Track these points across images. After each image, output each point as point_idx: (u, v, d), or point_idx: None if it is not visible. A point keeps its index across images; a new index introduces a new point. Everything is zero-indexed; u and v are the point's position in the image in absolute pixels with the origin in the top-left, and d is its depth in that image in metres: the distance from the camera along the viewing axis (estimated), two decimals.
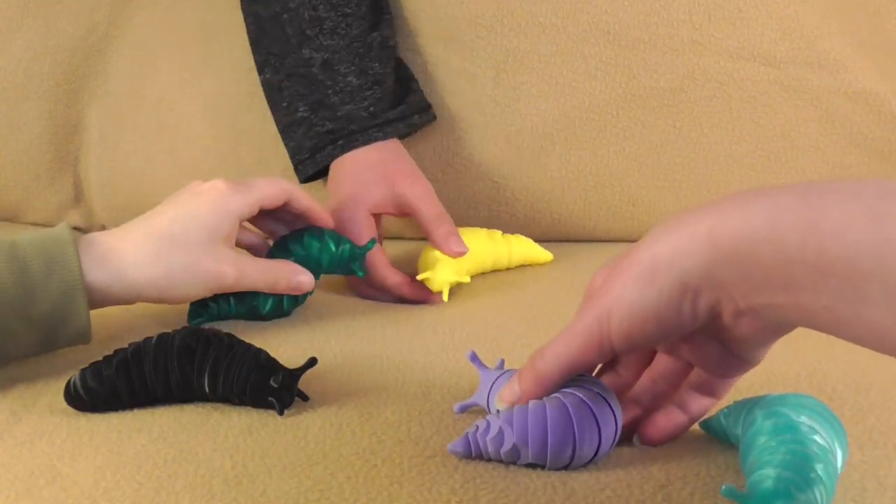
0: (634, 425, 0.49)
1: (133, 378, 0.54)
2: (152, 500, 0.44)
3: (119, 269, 0.61)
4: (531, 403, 0.45)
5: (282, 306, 0.70)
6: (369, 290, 0.78)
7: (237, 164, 0.96)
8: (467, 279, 0.78)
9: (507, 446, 0.45)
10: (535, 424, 0.44)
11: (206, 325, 0.67)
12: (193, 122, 0.98)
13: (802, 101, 0.90)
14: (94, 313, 0.62)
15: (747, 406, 0.46)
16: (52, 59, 0.99)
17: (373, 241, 0.74)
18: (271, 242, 0.74)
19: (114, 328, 0.68)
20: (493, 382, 0.51)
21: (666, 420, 0.48)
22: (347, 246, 0.72)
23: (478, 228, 0.85)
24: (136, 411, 0.54)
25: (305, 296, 0.72)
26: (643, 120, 0.91)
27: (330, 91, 0.84)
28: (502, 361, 0.53)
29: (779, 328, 0.43)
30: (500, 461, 0.46)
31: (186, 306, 0.71)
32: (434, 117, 0.90)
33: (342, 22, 0.86)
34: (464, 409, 0.52)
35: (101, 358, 0.55)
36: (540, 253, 0.87)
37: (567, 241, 0.96)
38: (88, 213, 1.03)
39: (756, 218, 0.37)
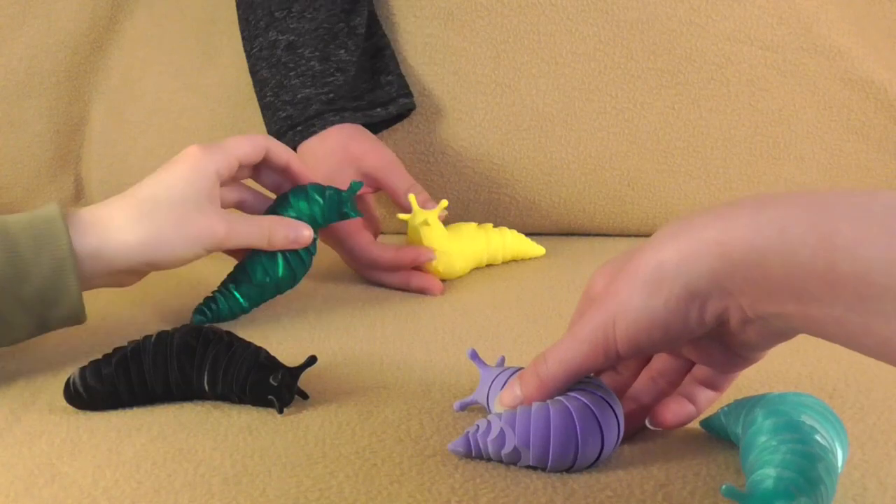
0: (634, 424, 0.49)
1: (132, 376, 0.54)
2: (152, 498, 0.44)
3: (106, 234, 0.60)
4: (534, 406, 0.45)
5: (292, 270, 0.70)
6: (373, 273, 0.79)
7: None
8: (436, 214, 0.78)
9: (508, 448, 0.45)
10: (537, 427, 0.44)
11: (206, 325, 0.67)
12: (194, 118, 0.98)
13: (800, 87, 0.90)
14: (94, 312, 0.62)
15: (748, 405, 0.46)
16: (53, 57, 0.99)
17: (358, 184, 0.73)
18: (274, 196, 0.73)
19: (113, 326, 0.68)
20: (493, 380, 0.51)
21: (678, 406, 0.48)
22: (332, 191, 0.72)
23: (469, 223, 0.85)
24: (135, 410, 0.54)
25: (311, 258, 0.71)
26: (642, 101, 0.91)
27: (292, 73, 0.85)
28: (503, 359, 0.53)
29: (785, 334, 0.42)
30: (501, 461, 0.46)
31: (187, 305, 0.71)
32: (397, 113, 0.89)
33: (311, 6, 0.86)
34: (463, 408, 0.52)
35: (100, 356, 0.55)
36: (532, 247, 0.88)
37: (565, 229, 0.96)
38: None
39: (766, 228, 0.37)
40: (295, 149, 0.84)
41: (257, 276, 0.69)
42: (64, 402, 0.54)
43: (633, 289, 0.41)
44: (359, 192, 0.77)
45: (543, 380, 0.45)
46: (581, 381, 0.46)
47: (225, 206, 0.71)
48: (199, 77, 0.98)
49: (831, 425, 0.43)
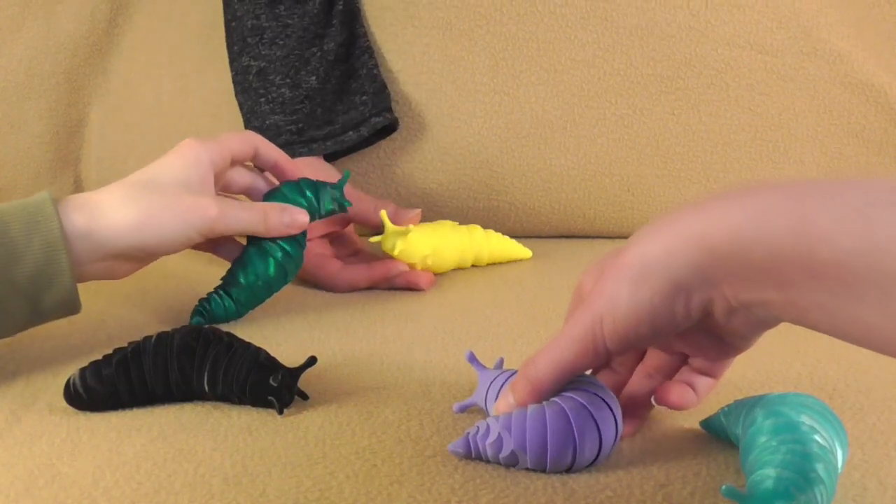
0: (632, 420, 0.49)
1: (132, 377, 0.54)
2: (152, 499, 0.44)
3: (97, 214, 0.60)
4: (530, 408, 0.45)
5: (283, 269, 0.70)
6: (356, 290, 0.79)
7: None
8: (412, 228, 0.78)
9: (505, 452, 0.45)
10: (534, 430, 0.44)
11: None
12: (194, 120, 0.98)
13: (800, 91, 0.90)
14: (94, 312, 0.62)
15: (748, 405, 0.46)
16: (52, 59, 0.99)
17: (347, 173, 0.73)
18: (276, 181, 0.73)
19: (113, 327, 0.68)
20: (491, 383, 0.51)
21: (681, 390, 0.48)
22: (326, 186, 0.72)
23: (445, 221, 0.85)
24: (135, 410, 0.54)
25: (301, 254, 0.71)
26: (641, 107, 0.91)
27: (262, 100, 0.85)
28: (501, 360, 0.53)
29: (770, 323, 0.43)
30: (500, 464, 0.46)
31: (187, 307, 0.71)
32: (369, 133, 0.88)
33: (282, 33, 0.86)
34: (463, 409, 0.52)
35: (100, 357, 0.55)
36: (518, 249, 0.88)
37: (565, 235, 0.97)
38: None
39: (745, 219, 0.37)
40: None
41: (249, 278, 0.69)
42: (64, 403, 0.54)
43: (619, 285, 0.41)
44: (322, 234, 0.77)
45: (534, 383, 0.45)
46: (576, 380, 0.46)
47: (234, 190, 0.71)
48: (198, 80, 0.99)
49: (831, 425, 0.43)
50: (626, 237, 0.96)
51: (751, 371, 0.57)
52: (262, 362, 0.54)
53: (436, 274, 0.82)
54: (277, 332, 0.68)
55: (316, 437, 0.50)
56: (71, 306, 0.60)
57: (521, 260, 0.89)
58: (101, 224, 0.60)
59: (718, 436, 0.49)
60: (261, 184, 0.72)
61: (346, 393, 0.56)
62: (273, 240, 0.69)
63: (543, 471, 0.45)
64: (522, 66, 0.91)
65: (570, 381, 0.46)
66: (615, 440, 0.45)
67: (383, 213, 0.77)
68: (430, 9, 0.92)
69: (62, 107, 1.00)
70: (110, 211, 0.61)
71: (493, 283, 0.82)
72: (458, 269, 0.86)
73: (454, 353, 0.63)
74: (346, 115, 0.87)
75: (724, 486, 0.38)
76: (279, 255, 0.69)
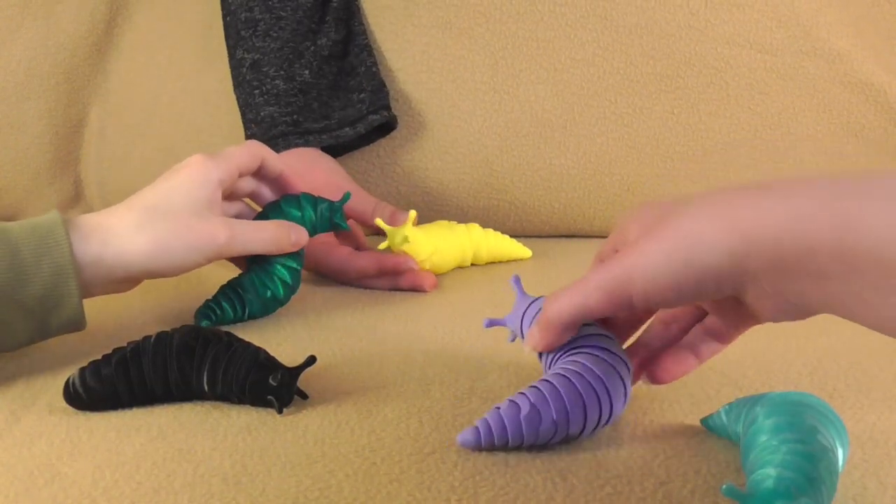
0: (642, 368, 0.50)
1: (132, 377, 0.54)
2: (151, 498, 0.44)
3: (107, 242, 0.60)
4: (560, 381, 0.46)
5: (289, 287, 0.71)
6: (362, 280, 0.79)
7: None
8: (413, 229, 0.78)
9: (545, 424, 0.46)
10: (572, 401, 0.46)
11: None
12: (194, 120, 0.98)
13: (800, 90, 0.90)
14: (93, 312, 0.62)
15: (748, 404, 0.46)
16: (52, 59, 0.99)
17: (347, 194, 0.74)
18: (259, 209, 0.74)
19: (113, 327, 0.68)
20: (527, 308, 0.52)
21: (675, 362, 0.49)
22: (325, 204, 0.72)
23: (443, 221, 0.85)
24: (135, 410, 0.54)
25: (301, 269, 0.72)
26: (641, 106, 0.91)
27: (256, 91, 0.85)
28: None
29: (802, 311, 0.42)
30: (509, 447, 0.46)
31: (187, 306, 0.70)
32: (366, 131, 0.88)
33: (275, 25, 0.86)
34: (492, 325, 0.53)
35: (100, 357, 0.55)
36: (517, 248, 0.88)
37: (564, 234, 0.97)
38: (88, 212, 1.03)
39: (786, 212, 0.38)
40: None
41: (260, 292, 0.70)
42: (64, 403, 0.54)
43: (657, 251, 0.42)
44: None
45: (554, 321, 0.46)
46: (588, 330, 0.48)
47: (239, 196, 0.72)
48: (197, 80, 0.99)
49: (832, 425, 0.43)
50: None
51: (751, 370, 0.57)
52: (262, 362, 0.53)
53: (436, 274, 0.82)
54: (277, 332, 0.68)
55: (315, 437, 0.50)
56: (76, 325, 0.60)
57: (520, 259, 0.88)
58: (112, 251, 0.60)
59: (719, 434, 0.49)
60: (265, 191, 0.73)
61: (345, 392, 0.56)
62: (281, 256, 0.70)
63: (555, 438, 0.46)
64: (522, 64, 0.91)
65: (584, 330, 0.48)
66: (625, 400, 0.47)
67: (379, 221, 0.77)
68: (429, 7, 0.92)
69: (62, 107, 1.00)
70: (121, 239, 0.61)
71: (493, 282, 0.81)
72: (459, 268, 0.86)
73: (453, 352, 0.63)
74: (343, 111, 0.87)
75: (724, 486, 0.38)
76: (286, 271, 0.70)
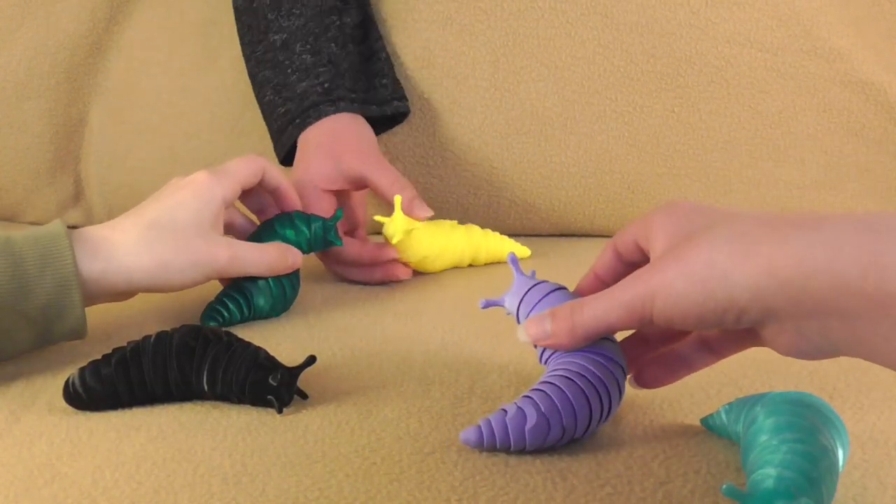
0: (633, 364, 0.50)
1: (132, 377, 0.54)
2: (151, 498, 0.44)
3: (111, 258, 0.61)
4: (566, 385, 0.46)
5: (286, 301, 0.71)
6: (337, 268, 0.80)
7: None
8: (418, 226, 0.78)
9: (554, 434, 0.46)
10: (579, 407, 0.46)
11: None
12: (194, 118, 0.98)
13: (800, 89, 0.90)
14: (93, 312, 0.62)
15: (748, 403, 0.46)
16: (52, 58, 0.99)
17: (339, 211, 0.74)
18: (257, 221, 0.75)
19: (112, 327, 0.68)
20: (527, 292, 0.51)
21: (665, 371, 0.50)
22: (319, 223, 0.73)
23: (446, 221, 0.85)
24: (134, 410, 0.54)
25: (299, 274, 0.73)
26: (641, 104, 0.91)
27: (289, 70, 0.85)
28: (534, 273, 0.54)
29: (820, 351, 0.42)
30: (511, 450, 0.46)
31: (187, 306, 0.70)
32: (398, 112, 0.89)
33: (298, 2, 0.87)
34: (488, 306, 0.53)
35: (99, 357, 0.55)
36: (516, 249, 0.87)
37: (565, 232, 0.97)
38: (88, 211, 1.03)
39: (816, 250, 0.38)
40: (294, 142, 0.84)
41: (264, 300, 0.70)
42: (63, 403, 0.54)
43: (679, 276, 0.42)
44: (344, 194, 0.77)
45: (576, 329, 0.46)
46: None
47: (226, 226, 0.72)
48: (198, 78, 0.99)
49: (832, 425, 0.43)
50: None
51: (751, 370, 0.57)
52: (262, 362, 0.53)
53: (436, 273, 0.82)
54: (277, 332, 0.68)
55: (315, 436, 0.50)
56: (79, 334, 0.61)
57: (519, 259, 0.88)
58: (115, 267, 0.61)
59: (719, 434, 0.49)
60: (240, 221, 0.74)
61: (345, 392, 0.56)
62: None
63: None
64: (523, 62, 0.91)
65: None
66: (620, 399, 0.48)
67: (398, 199, 0.76)
68: (430, 3, 0.92)
69: (62, 106, 1.00)
70: (125, 255, 0.62)
71: (493, 282, 0.81)
72: (458, 268, 0.86)
73: (453, 351, 0.63)
74: (367, 92, 0.87)
75: (724, 486, 0.38)
76: (288, 286, 0.71)
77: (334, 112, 0.83)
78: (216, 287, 0.71)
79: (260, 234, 0.72)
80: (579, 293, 0.51)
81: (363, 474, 0.45)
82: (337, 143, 0.81)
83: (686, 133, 0.92)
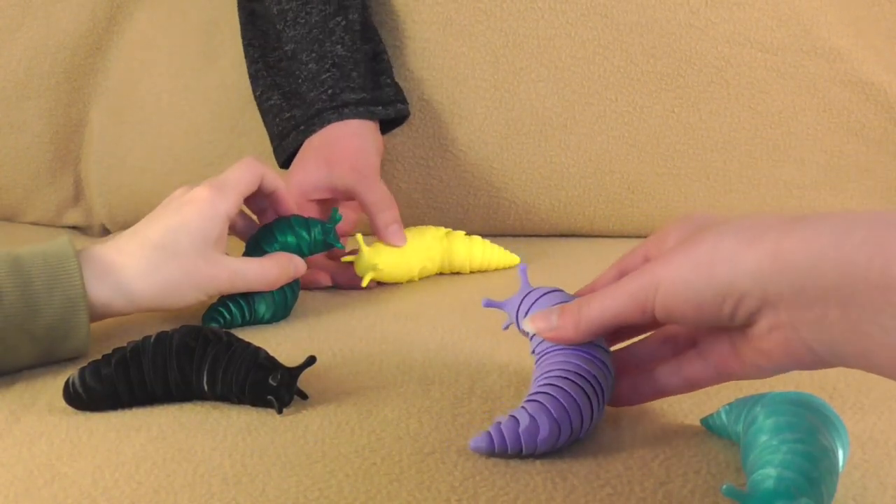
0: (624, 380, 0.50)
1: (132, 377, 0.54)
2: (151, 499, 0.44)
3: (120, 283, 0.62)
4: (566, 394, 0.46)
5: (287, 308, 0.72)
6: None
7: (238, 160, 0.96)
8: (383, 272, 0.77)
9: (563, 439, 0.46)
10: (575, 414, 0.46)
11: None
12: (194, 119, 0.98)
13: (800, 89, 0.90)
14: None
15: (748, 404, 0.46)
16: (52, 58, 0.99)
17: (337, 213, 0.74)
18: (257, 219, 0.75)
19: (112, 327, 0.68)
20: (525, 296, 0.51)
21: (635, 392, 0.50)
22: (318, 227, 0.73)
23: (430, 228, 0.83)
24: (134, 410, 0.54)
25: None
26: (641, 104, 0.91)
27: (300, 80, 0.85)
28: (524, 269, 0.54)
29: (810, 352, 0.41)
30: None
31: (187, 307, 0.70)
32: (401, 115, 0.89)
33: (302, 11, 0.87)
34: (490, 306, 0.53)
35: (99, 357, 0.55)
36: (505, 256, 0.85)
37: (565, 233, 0.97)
38: (88, 211, 1.03)
39: (822, 236, 0.38)
40: (297, 149, 0.84)
41: (265, 308, 0.70)
42: (63, 403, 0.54)
43: (685, 262, 0.42)
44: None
45: (583, 322, 0.47)
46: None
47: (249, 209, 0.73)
48: (198, 79, 0.98)
49: (832, 425, 0.43)
50: (626, 236, 0.97)
51: None
52: (262, 362, 0.53)
53: (422, 280, 0.81)
54: (277, 332, 0.68)
55: (315, 437, 0.50)
56: (81, 353, 0.61)
57: (512, 266, 0.86)
58: (122, 293, 0.62)
59: (719, 434, 0.49)
60: (240, 223, 0.74)
61: (345, 392, 0.56)
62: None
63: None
64: (523, 62, 0.91)
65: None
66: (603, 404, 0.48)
67: (359, 237, 0.76)
68: (430, 4, 0.92)
69: (62, 106, 1.00)
70: (132, 282, 0.63)
71: (493, 282, 0.81)
72: (458, 273, 0.85)
73: (453, 351, 0.63)
74: (373, 92, 0.87)
75: (724, 486, 0.38)
76: (290, 295, 0.71)
77: (338, 119, 0.83)
78: None
79: (259, 241, 0.72)
80: None
81: (363, 474, 0.45)
82: (333, 153, 0.81)
83: (686, 133, 0.92)
